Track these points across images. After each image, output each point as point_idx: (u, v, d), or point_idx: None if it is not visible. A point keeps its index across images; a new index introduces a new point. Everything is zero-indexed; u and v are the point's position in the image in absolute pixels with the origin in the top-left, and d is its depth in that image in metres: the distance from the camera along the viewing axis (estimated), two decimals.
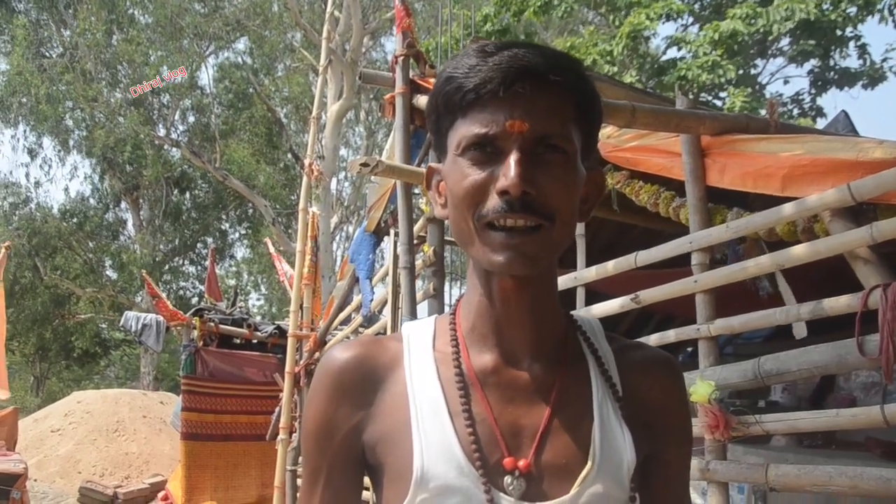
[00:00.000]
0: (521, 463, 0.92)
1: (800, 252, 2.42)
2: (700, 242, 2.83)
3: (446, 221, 1.11)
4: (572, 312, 1.08)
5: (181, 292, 23.63)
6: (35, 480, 8.64)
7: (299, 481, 6.66)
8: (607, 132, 3.27)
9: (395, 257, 4.66)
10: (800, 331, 2.58)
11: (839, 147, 2.41)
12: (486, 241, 0.90)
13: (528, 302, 0.96)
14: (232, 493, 8.32)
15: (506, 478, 0.91)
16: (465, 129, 0.91)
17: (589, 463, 0.93)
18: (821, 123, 12.41)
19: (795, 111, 13.96)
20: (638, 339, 1.10)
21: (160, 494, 8.88)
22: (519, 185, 0.86)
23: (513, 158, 0.87)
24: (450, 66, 0.93)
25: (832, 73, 13.30)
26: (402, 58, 4.23)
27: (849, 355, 2.22)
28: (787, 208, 2.43)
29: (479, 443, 0.92)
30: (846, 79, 13.25)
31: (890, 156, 2.20)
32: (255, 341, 9.07)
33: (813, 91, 13.73)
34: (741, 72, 11.66)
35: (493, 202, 0.88)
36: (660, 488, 1.04)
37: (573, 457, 0.94)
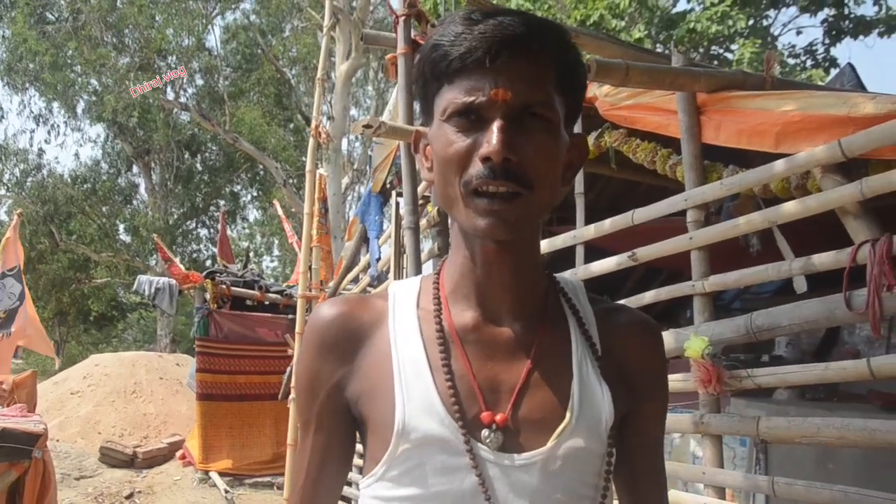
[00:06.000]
0: (499, 417, 0.96)
1: (791, 208, 2.43)
2: (695, 199, 2.85)
3: None
4: (555, 274, 1.11)
5: (194, 255, 23.82)
6: (57, 441, 8.85)
7: None
8: (604, 90, 3.26)
9: (399, 217, 4.70)
10: (800, 285, 2.61)
11: (831, 103, 2.40)
12: (469, 206, 0.93)
13: (510, 265, 0.99)
14: (247, 452, 8.50)
15: (484, 431, 0.95)
16: (451, 97, 0.93)
17: (567, 417, 0.97)
18: (834, 74, 12.20)
19: (808, 62, 13.71)
20: (624, 300, 1.14)
21: (178, 453, 9.08)
22: (501, 151, 0.89)
23: (496, 126, 0.90)
24: (437, 32, 0.96)
25: (847, 22, 13.01)
26: (403, 18, 4.21)
27: (837, 310, 2.25)
28: (779, 165, 2.44)
29: (459, 397, 0.96)
30: (861, 27, 12.95)
31: (881, 111, 2.19)
32: (266, 303, 9.17)
33: (827, 41, 13.45)
34: (752, 22, 11.44)
35: (477, 168, 0.91)
36: (636, 444, 1.07)
37: (551, 411, 0.97)
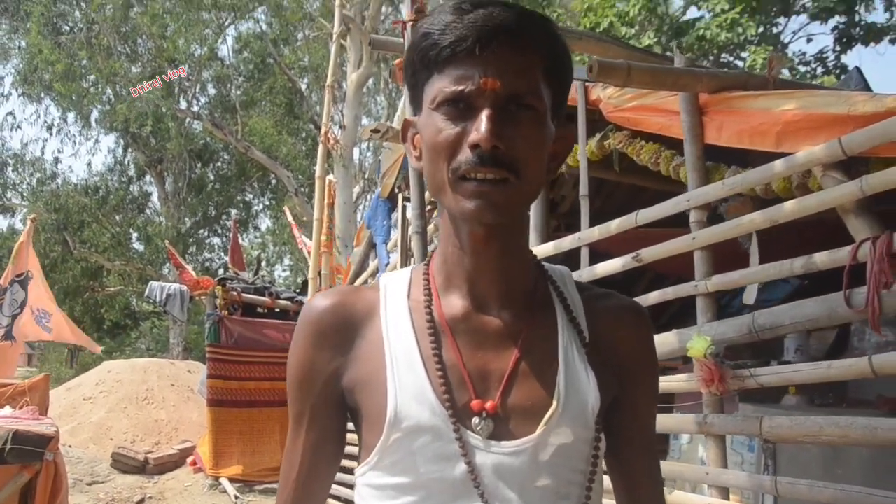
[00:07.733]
0: (488, 405, 0.97)
1: (790, 208, 2.43)
2: (697, 200, 2.85)
3: None
4: (543, 263, 1.12)
5: (207, 264, 23.93)
6: (70, 446, 8.89)
7: None
8: (608, 93, 3.28)
9: (406, 222, 4.73)
10: (749, 297, 2.62)
11: (831, 102, 2.40)
12: (458, 191, 0.94)
13: (497, 252, 1.00)
14: (258, 458, 8.50)
15: (474, 419, 0.96)
16: (441, 85, 0.94)
17: (554, 404, 0.98)
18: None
19: (819, 69, 13.66)
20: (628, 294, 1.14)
21: (189, 459, 9.10)
22: (489, 139, 0.90)
23: (485, 114, 0.91)
24: (427, 22, 0.97)
25: (857, 30, 12.97)
26: (410, 23, 4.24)
27: (839, 308, 2.25)
28: (779, 164, 2.44)
29: (449, 386, 0.97)
30: (872, 34, 12.90)
31: (880, 109, 2.20)
32: (277, 309, 9.19)
33: (837, 48, 13.40)
34: (762, 30, 11.42)
35: (465, 155, 0.92)
36: (627, 432, 1.08)
37: (539, 399, 0.98)
